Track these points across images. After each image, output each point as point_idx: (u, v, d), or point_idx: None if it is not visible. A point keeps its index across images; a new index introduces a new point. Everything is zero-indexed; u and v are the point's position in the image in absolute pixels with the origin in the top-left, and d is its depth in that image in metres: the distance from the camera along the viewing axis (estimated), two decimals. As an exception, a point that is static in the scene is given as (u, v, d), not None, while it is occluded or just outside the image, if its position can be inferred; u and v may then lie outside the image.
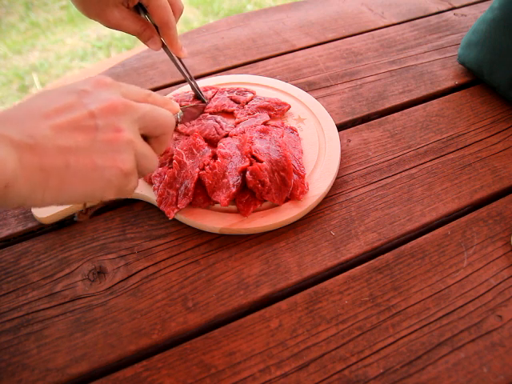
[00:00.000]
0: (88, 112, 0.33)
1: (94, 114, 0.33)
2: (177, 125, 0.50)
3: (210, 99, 0.59)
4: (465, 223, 0.49)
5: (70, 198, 0.33)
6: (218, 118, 0.56)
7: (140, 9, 0.52)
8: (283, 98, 0.61)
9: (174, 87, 0.66)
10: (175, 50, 0.54)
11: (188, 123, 0.55)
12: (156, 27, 0.52)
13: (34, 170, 0.30)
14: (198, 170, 0.48)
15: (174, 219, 0.48)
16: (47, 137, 0.31)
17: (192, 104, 0.58)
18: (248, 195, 0.48)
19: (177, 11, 0.53)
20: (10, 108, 0.32)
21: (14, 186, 0.29)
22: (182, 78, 0.68)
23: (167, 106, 0.42)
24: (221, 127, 0.55)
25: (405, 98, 0.64)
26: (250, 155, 0.50)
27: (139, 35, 0.54)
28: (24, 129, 0.30)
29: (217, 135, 0.54)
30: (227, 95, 0.60)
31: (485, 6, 0.82)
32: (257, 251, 0.46)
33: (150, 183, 0.50)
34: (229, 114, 0.58)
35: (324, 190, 0.50)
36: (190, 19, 2.32)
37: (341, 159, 0.55)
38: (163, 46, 0.54)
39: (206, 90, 0.60)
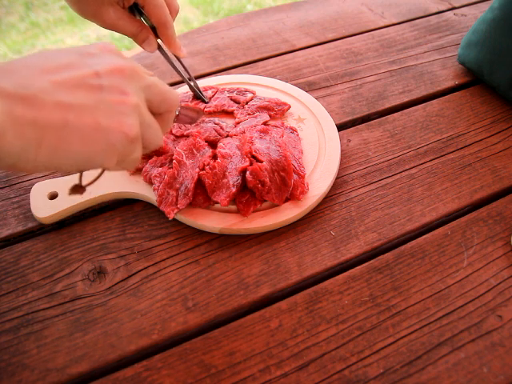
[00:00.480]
0: (93, 71, 0.31)
1: (99, 74, 0.31)
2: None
3: (210, 99, 0.59)
4: (465, 223, 0.49)
5: (66, 161, 0.30)
6: (216, 119, 0.56)
7: (135, 11, 0.51)
8: (283, 98, 0.61)
9: (174, 87, 0.66)
10: (174, 49, 0.54)
11: (184, 126, 0.55)
12: (152, 29, 0.52)
13: (27, 124, 0.27)
14: (197, 170, 0.48)
15: (173, 219, 0.48)
16: (45, 90, 0.28)
17: (192, 104, 0.58)
18: (248, 195, 0.48)
19: (173, 11, 0.52)
20: (4, 62, 0.29)
21: (3, 140, 0.26)
22: (181, 78, 0.68)
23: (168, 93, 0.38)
24: (221, 128, 0.55)
25: (405, 98, 0.64)
26: (250, 155, 0.50)
27: (135, 36, 0.53)
28: (19, 80, 0.27)
29: (218, 136, 0.54)
30: (227, 95, 0.60)
31: (485, 6, 0.82)
32: (257, 251, 0.46)
33: (150, 183, 0.50)
34: (229, 113, 0.58)
35: (324, 190, 0.50)
36: (190, 19, 2.32)
37: (341, 159, 0.55)
38: (159, 47, 0.54)
39: (205, 90, 0.60)
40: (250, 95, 0.60)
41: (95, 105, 0.30)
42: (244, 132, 0.53)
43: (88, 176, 0.37)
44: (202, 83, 0.63)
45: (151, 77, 0.35)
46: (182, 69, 0.57)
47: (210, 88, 0.61)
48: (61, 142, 0.28)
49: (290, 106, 0.59)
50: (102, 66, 0.31)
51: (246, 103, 0.59)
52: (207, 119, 0.56)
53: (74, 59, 0.31)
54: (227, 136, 0.54)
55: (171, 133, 0.54)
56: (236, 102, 0.59)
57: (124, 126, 0.31)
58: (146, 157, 0.52)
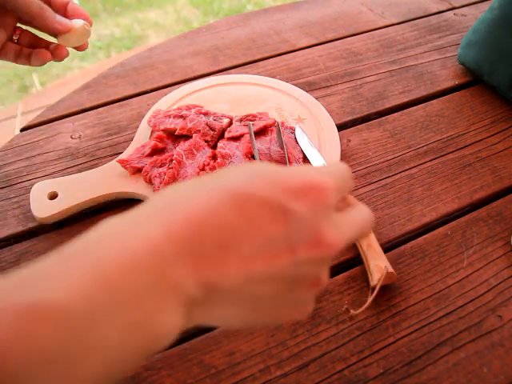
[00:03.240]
0: (292, 259, 0.24)
1: (298, 262, 0.24)
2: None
3: (186, 118, 0.55)
4: (465, 223, 0.49)
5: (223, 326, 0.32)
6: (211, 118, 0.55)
7: None
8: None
9: (173, 87, 0.66)
10: (78, 12, 0.47)
11: (182, 126, 0.54)
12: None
13: (197, 317, 0.23)
14: (197, 170, 0.48)
15: (174, 219, 0.48)
16: (233, 287, 0.23)
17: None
18: (248, 195, 0.48)
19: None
20: (198, 206, 0.22)
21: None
22: (181, 78, 0.68)
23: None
24: (215, 120, 0.54)
25: (405, 98, 0.64)
26: (250, 155, 0.50)
27: (42, 10, 0.45)
28: (211, 272, 0.22)
29: (210, 131, 0.53)
30: (203, 119, 0.55)
31: (485, 6, 0.82)
32: (257, 251, 0.46)
33: (150, 183, 0.50)
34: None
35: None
36: (189, 19, 2.32)
37: (341, 159, 0.55)
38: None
39: (179, 109, 0.57)
40: (226, 120, 0.55)
41: (283, 301, 0.26)
42: (243, 134, 0.53)
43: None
44: (202, 83, 0.63)
45: (348, 224, 0.27)
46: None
47: (188, 108, 0.57)
48: (226, 321, 0.26)
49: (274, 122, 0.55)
50: (305, 246, 0.24)
51: (223, 130, 0.55)
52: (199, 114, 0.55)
53: (278, 229, 0.23)
54: (223, 131, 0.54)
55: (172, 132, 0.54)
56: (212, 128, 0.54)
57: (301, 312, 0.27)
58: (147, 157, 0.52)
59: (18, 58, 0.48)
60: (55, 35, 0.47)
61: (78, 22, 0.48)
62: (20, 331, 0.17)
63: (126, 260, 0.20)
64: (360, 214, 0.28)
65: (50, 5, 0.47)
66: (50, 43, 0.49)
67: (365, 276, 0.44)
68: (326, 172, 0.26)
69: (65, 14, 0.48)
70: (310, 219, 0.24)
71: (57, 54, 0.49)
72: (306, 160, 0.53)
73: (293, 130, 0.55)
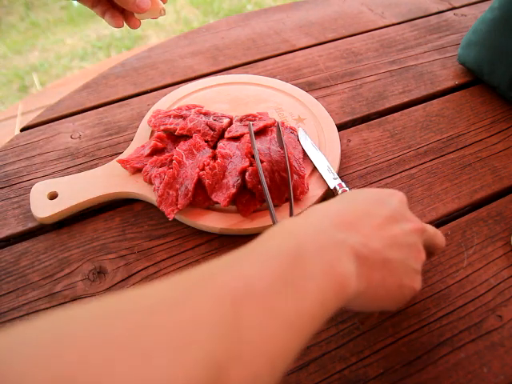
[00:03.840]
0: (404, 231, 0.34)
1: (407, 233, 0.34)
2: None
3: (186, 118, 0.55)
4: (465, 223, 0.49)
5: (368, 308, 0.37)
6: (211, 118, 0.55)
7: None
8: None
9: (174, 87, 0.66)
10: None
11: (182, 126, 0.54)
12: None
13: (362, 282, 0.30)
14: (197, 170, 0.48)
15: (173, 219, 0.48)
16: (377, 250, 0.32)
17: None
18: (248, 195, 0.48)
19: None
20: (339, 207, 0.34)
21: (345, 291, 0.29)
22: (181, 78, 0.68)
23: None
24: (215, 120, 0.54)
25: (405, 98, 0.64)
26: (250, 155, 0.50)
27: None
28: (362, 239, 0.31)
29: (210, 131, 0.53)
30: (203, 119, 0.55)
31: (485, 6, 0.82)
32: (257, 251, 0.46)
33: (150, 183, 0.50)
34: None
35: (324, 191, 0.50)
36: (190, 19, 2.32)
37: (341, 159, 0.55)
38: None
39: (180, 108, 0.57)
40: (226, 120, 0.55)
41: (403, 264, 0.34)
42: (243, 134, 0.53)
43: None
44: (202, 83, 0.63)
45: (429, 227, 0.39)
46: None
47: (188, 108, 0.57)
48: (372, 296, 0.32)
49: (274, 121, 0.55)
50: (409, 226, 0.35)
51: (223, 130, 0.54)
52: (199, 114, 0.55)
53: (390, 215, 0.34)
54: (223, 131, 0.54)
55: (172, 132, 0.54)
56: (212, 128, 0.54)
57: (415, 282, 0.35)
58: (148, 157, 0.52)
59: (94, 6, 0.49)
60: None
61: (155, 2, 0.49)
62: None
63: (312, 230, 0.30)
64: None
65: None
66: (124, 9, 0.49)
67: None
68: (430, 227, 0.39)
69: None
70: (407, 211, 0.37)
71: (129, 22, 0.50)
72: (306, 160, 0.53)
73: (293, 130, 0.55)
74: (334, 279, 0.27)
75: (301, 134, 0.55)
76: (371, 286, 0.31)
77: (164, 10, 0.51)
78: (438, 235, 0.40)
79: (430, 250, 0.40)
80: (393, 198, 0.36)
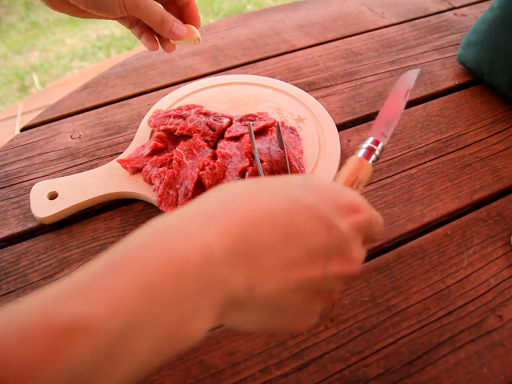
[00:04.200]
0: (322, 273, 0.25)
1: (327, 277, 0.26)
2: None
3: (186, 118, 0.55)
4: (465, 223, 0.49)
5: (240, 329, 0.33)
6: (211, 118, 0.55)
7: None
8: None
9: (174, 87, 0.66)
10: (195, 14, 0.50)
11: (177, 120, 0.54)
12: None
13: (227, 317, 0.24)
14: (197, 170, 0.48)
15: (174, 219, 0.48)
16: (267, 294, 0.24)
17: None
18: (248, 195, 0.48)
19: None
20: (250, 213, 0.24)
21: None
22: (181, 78, 0.68)
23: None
24: (215, 120, 0.54)
25: (405, 98, 0.64)
26: (250, 155, 0.50)
27: (164, 21, 0.48)
28: (252, 278, 0.23)
29: (210, 131, 0.53)
30: (204, 119, 0.55)
31: (485, 6, 0.82)
32: (257, 251, 0.46)
33: (150, 183, 0.50)
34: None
35: (324, 190, 0.50)
36: (189, 19, 2.32)
37: (341, 159, 0.55)
38: None
39: (180, 109, 0.57)
40: (226, 120, 0.55)
41: (299, 309, 0.27)
42: (243, 134, 0.53)
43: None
44: (202, 83, 0.63)
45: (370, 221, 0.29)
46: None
47: (187, 108, 0.57)
48: (246, 324, 0.27)
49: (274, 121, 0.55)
50: (337, 267, 0.26)
51: (223, 130, 0.54)
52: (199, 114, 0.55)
53: (320, 250, 0.25)
54: (223, 132, 0.54)
55: (172, 132, 0.54)
56: (212, 128, 0.54)
57: (306, 324, 0.28)
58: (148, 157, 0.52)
59: (132, 27, 0.50)
60: None
61: (191, 31, 0.51)
62: (52, 352, 0.18)
63: (174, 267, 0.21)
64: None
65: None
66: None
67: (365, 276, 0.44)
68: (366, 204, 0.28)
69: (181, 13, 0.51)
70: (347, 238, 0.26)
71: (164, 46, 0.51)
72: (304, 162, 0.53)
73: (293, 130, 0.55)
74: (174, 343, 0.21)
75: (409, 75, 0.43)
76: (239, 321, 0.26)
77: (199, 40, 0.52)
78: (375, 230, 0.30)
79: (368, 241, 0.30)
80: (345, 220, 0.26)
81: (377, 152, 0.36)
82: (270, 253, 0.24)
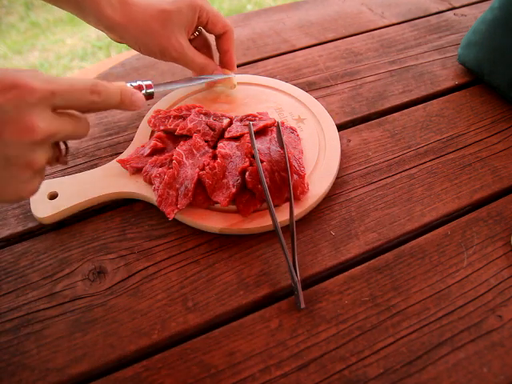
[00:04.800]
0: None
1: (6, 142, 0.31)
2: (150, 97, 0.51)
3: (185, 118, 0.55)
4: (465, 223, 0.49)
5: None
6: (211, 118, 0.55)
7: None
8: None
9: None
10: (231, 62, 0.58)
11: (177, 121, 0.54)
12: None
13: None
14: (197, 170, 0.48)
15: (173, 219, 0.48)
16: None
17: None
18: (248, 195, 0.48)
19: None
20: None
21: None
22: (181, 77, 0.68)
23: (122, 107, 0.38)
24: (215, 120, 0.54)
25: (405, 98, 0.64)
26: (250, 155, 0.50)
27: (203, 70, 0.56)
28: None
29: (210, 131, 0.53)
30: (204, 119, 0.54)
31: (485, 6, 0.82)
32: (257, 251, 0.46)
33: (150, 183, 0.50)
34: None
35: (324, 190, 0.50)
36: (190, 19, 2.32)
37: (341, 159, 0.55)
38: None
39: (179, 109, 0.56)
40: (226, 120, 0.55)
41: (6, 178, 0.31)
42: (243, 134, 0.53)
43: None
44: (201, 83, 0.63)
45: (68, 127, 0.34)
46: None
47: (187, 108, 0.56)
48: None
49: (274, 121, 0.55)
50: (11, 130, 0.30)
51: (223, 130, 0.54)
52: (200, 114, 0.55)
53: None
54: (223, 132, 0.54)
55: (172, 132, 0.54)
56: (212, 128, 0.54)
57: (21, 191, 0.33)
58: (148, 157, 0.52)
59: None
60: None
61: (230, 78, 0.59)
62: None
63: None
64: (79, 123, 0.35)
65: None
66: None
67: (365, 276, 0.44)
68: (36, 76, 0.32)
69: (221, 60, 0.59)
70: (11, 110, 0.30)
71: (206, 84, 0.60)
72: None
73: (293, 130, 0.55)
74: None
75: None
76: None
77: (235, 86, 0.60)
78: (77, 131, 0.35)
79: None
80: (2, 96, 0.30)
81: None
82: None
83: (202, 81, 0.59)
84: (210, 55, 0.59)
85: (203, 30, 0.59)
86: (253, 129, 0.52)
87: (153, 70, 0.70)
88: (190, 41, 0.57)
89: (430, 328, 0.41)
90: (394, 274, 0.44)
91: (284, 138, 0.52)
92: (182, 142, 0.52)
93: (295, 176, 0.49)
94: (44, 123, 0.31)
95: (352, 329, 0.41)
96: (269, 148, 0.50)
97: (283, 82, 0.64)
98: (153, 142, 0.52)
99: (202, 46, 0.59)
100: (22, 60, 2.03)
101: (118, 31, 0.51)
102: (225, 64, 0.59)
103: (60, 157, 0.38)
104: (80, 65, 2.01)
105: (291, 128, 0.56)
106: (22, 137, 0.31)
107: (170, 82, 0.56)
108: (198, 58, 0.55)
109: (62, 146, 0.39)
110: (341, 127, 0.60)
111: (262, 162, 0.48)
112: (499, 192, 0.52)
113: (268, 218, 0.47)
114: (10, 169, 0.31)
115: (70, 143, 0.58)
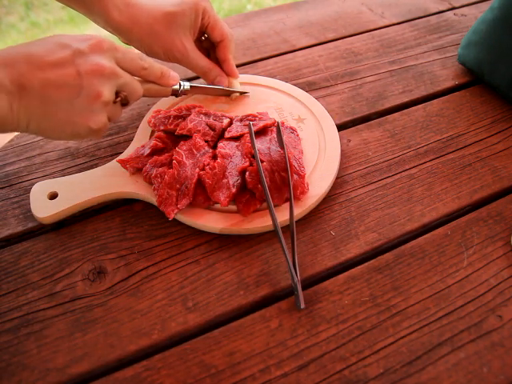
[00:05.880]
0: (76, 72, 0.38)
1: (81, 75, 0.39)
2: (177, 95, 0.54)
3: (185, 118, 0.55)
4: (465, 223, 0.49)
5: (45, 135, 0.42)
6: (211, 118, 0.55)
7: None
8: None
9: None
10: (230, 71, 0.58)
11: (177, 120, 0.54)
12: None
13: (21, 111, 0.37)
14: (197, 170, 0.48)
15: (173, 219, 0.48)
16: (35, 88, 0.37)
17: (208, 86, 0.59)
18: (248, 195, 0.48)
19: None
20: (17, 46, 0.38)
21: (5, 123, 0.37)
22: (181, 77, 0.68)
23: (162, 80, 0.49)
24: (215, 120, 0.54)
25: (405, 98, 0.64)
26: (250, 155, 0.50)
27: (206, 72, 0.56)
28: (19, 77, 0.36)
29: (210, 131, 0.53)
30: (204, 119, 0.54)
31: (485, 6, 0.82)
32: (257, 251, 0.46)
33: (150, 183, 0.50)
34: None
35: (324, 190, 0.50)
36: (190, 19, 2.32)
37: (341, 159, 0.55)
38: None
39: (179, 109, 0.56)
40: (226, 120, 0.55)
41: (71, 103, 0.39)
42: (243, 134, 0.53)
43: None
44: (202, 83, 0.63)
45: (127, 75, 0.44)
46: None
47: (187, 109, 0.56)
48: (40, 125, 0.39)
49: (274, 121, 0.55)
50: (86, 67, 0.39)
51: (223, 130, 0.54)
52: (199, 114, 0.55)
53: (65, 56, 0.38)
54: (223, 132, 0.54)
55: (172, 132, 0.54)
56: (212, 128, 0.54)
57: (91, 121, 0.41)
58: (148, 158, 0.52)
59: None
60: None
61: (235, 88, 0.60)
62: None
63: None
64: (133, 80, 0.46)
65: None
66: None
67: (365, 276, 0.44)
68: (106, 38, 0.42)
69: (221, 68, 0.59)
70: (88, 53, 0.40)
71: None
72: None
73: (293, 130, 0.55)
74: None
75: None
76: (34, 118, 0.38)
77: (237, 95, 0.60)
78: (133, 84, 0.45)
79: (127, 99, 0.46)
80: (83, 43, 0.40)
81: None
82: (29, 60, 0.37)
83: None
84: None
85: None
86: (253, 129, 0.52)
87: (153, 70, 0.69)
88: (200, 42, 0.58)
89: (430, 328, 0.41)
90: (394, 273, 0.44)
91: (284, 138, 0.52)
92: (182, 142, 0.52)
93: (295, 176, 0.49)
94: (110, 64, 0.41)
95: (352, 329, 0.41)
96: (269, 148, 0.50)
97: (283, 82, 0.64)
98: (153, 142, 0.52)
99: (211, 48, 0.59)
100: (22, 60, 2.03)
101: (124, 33, 0.52)
102: (225, 73, 0.59)
103: (121, 103, 0.46)
104: (80, 65, 2.01)
105: (291, 128, 0.56)
106: (94, 71, 0.39)
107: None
108: (202, 61, 0.55)
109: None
110: (341, 127, 0.60)
111: (262, 161, 0.48)
112: (499, 192, 0.52)
113: (268, 218, 0.47)
114: (83, 98, 0.39)
115: (71, 143, 0.58)
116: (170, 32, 0.52)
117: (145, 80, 0.48)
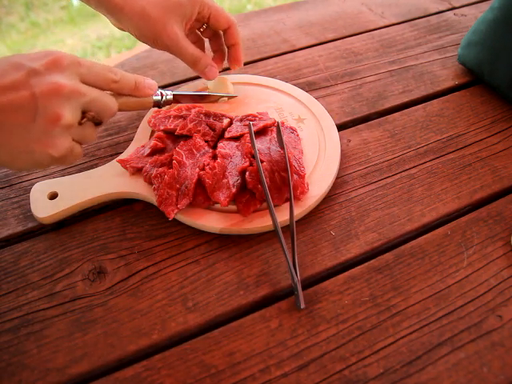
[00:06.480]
0: (30, 94, 0.34)
1: (36, 97, 0.35)
2: (159, 106, 0.52)
3: (186, 118, 0.55)
4: (465, 223, 0.49)
5: (11, 168, 0.39)
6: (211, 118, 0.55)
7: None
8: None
9: (173, 87, 0.66)
10: (238, 56, 0.57)
11: (177, 121, 0.54)
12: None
13: None
14: (197, 170, 0.48)
15: (173, 219, 0.48)
16: None
17: (192, 92, 0.59)
18: (248, 195, 0.48)
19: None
20: None
21: None
22: (181, 77, 0.68)
23: (137, 92, 0.45)
24: (215, 120, 0.54)
25: (405, 98, 0.64)
26: (250, 155, 0.50)
27: (196, 62, 0.55)
28: None
29: (211, 131, 0.53)
30: (204, 119, 0.54)
31: (485, 6, 0.82)
32: (257, 251, 0.46)
33: (150, 183, 0.50)
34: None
35: (324, 190, 0.50)
36: (190, 19, 2.31)
37: (341, 159, 0.55)
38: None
39: (179, 109, 0.56)
40: (226, 120, 0.55)
41: (27, 128, 0.35)
42: (243, 134, 0.53)
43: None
44: (202, 83, 0.63)
45: (93, 90, 0.39)
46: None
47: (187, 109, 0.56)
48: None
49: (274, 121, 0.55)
50: (42, 87, 0.35)
51: (223, 130, 0.54)
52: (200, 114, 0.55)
53: (18, 77, 0.35)
54: (223, 132, 0.54)
55: (172, 132, 0.54)
56: (212, 128, 0.54)
57: (50, 147, 0.36)
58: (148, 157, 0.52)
59: None
60: None
61: (225, 84, 0.60)
62: None
63: None
64: (104, 94, 0.41)
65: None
66: None
67: (365, 276, 0.44)
68: (64, 52, 0.38)
69: (229, 55, 0.59)
70: (44, 71, 0.35)
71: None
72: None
73: (293, 130, 0.55)
74: None
75: None
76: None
77: (230, 94, 0.60)
78: (104, 100, 0.40)
79: (98, 118, 0.41)
80: (37, 62, 0.36)
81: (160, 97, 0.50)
82: None
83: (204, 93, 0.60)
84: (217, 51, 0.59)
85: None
86: (253, 129, 0.52)
87: (152, 70, 0.70)
88: (197, 34, 0.58)
89: (430, 328, 0.41)
90: (394, 273, 0.44)
91: (284, 138, 0.52)
92: (182, 142, 0.52)
93: (295, 176, 0.49)
94: (70, 82, 0.36)
95: (352, 329, 0.41)
96: (269, 148, 0.50)
97: (283, 82, 0.64)
98: (153, 142, 0.52)
99: (213, 38, 0.59)
100: (22, 60, 2.03)
101: (116, 14, 0.50)
102: (233, 58, 0.58)
103: (93, 122, 0.42)
104: (80, 65, 2.00)
105: (291, 128, 0.56)
106: (50, 91, 0.35)
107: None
108: (192, 49, 0.53)
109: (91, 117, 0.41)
110: (341, 127, 0.60)
111: (262, 161, 0.48)
112: (499, 192, 0.52)
113: (268, 218, 0.47)
114: (39, 122, 0.35)
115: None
116: (163, 17, 0.50)
117: (118, 94, 0.44)
